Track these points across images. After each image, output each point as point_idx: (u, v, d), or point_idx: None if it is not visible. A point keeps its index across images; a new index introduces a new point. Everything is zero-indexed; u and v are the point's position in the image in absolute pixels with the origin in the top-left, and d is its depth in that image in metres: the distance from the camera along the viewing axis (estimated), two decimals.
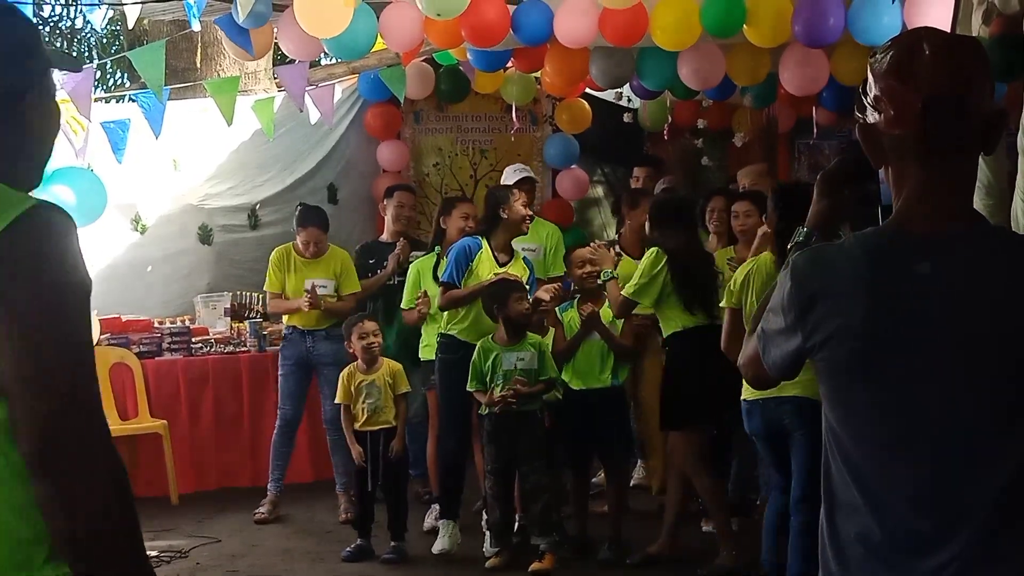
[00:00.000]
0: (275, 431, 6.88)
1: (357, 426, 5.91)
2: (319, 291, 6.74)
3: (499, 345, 5.67)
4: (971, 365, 1.83)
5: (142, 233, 8.09)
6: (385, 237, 7.17)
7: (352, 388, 5.92)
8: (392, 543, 5.93)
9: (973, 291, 1.84)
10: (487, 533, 5.88)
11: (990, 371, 1.83)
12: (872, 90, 1.94)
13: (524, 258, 6.08)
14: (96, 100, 7.31)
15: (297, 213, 7.08)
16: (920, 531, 1.83)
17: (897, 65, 1.90)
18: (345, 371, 6.02)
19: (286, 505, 6.87)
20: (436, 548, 5.92)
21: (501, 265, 5.87)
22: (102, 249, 7.63)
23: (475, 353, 5.70)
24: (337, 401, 6.02)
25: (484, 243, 5.93)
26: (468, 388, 5.69)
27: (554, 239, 6.94)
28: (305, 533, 6.58)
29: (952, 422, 1.83)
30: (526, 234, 6.12)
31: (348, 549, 5.97)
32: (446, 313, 5.95)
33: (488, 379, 5.65)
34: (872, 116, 1.94)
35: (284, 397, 6.89)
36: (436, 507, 6.22)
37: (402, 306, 6.42)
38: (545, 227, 7.13)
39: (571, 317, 5.93)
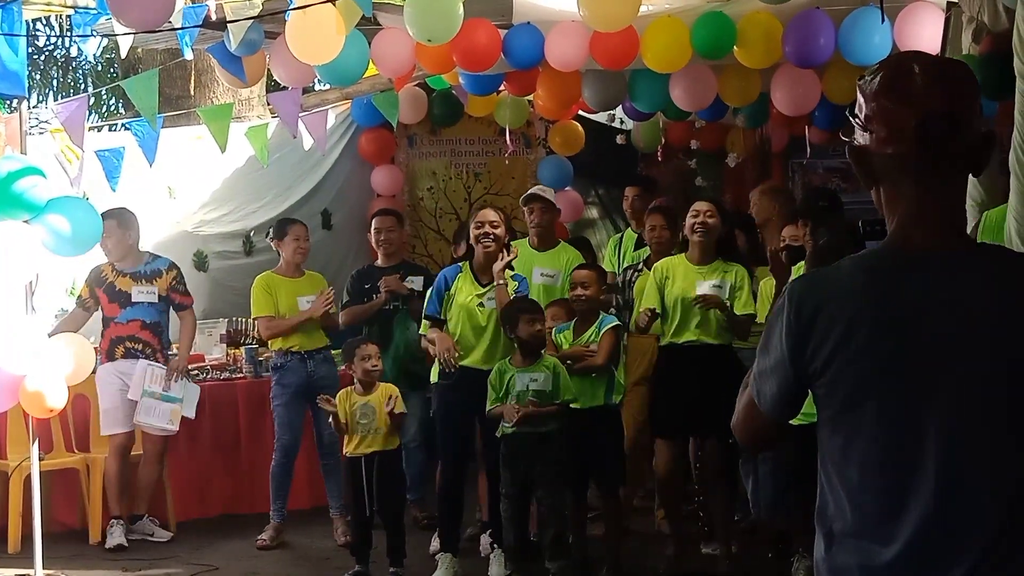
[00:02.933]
0: (273, 462, 6.80)
1: (349, 451, 5.87)
2: (307, 305, 6.76)
3: (514, 366, 5.65)
4: (977, 383, 1.82)
5: None
6: (380, 262, 7.14)
7: (348, 410, 5.90)
8: (391, 569, 5.88)
9: (975, 309, 1.84)
10: (492, 557, 5.85)
11: (995, 388, 1.82)
12: (863, 111, 1.93)
13: (514, 276, 5.95)
14: (90, 129, 7.31)
15: (275, 226, 7.14)
16: (927, 556, 1.81)
17: (889, 85, 1.90)
18: (342, 392, 6.00)
19: (285, 532, 6.82)
20: None
21: (483, 286, 5.86)
22: None
23: (492, 374, 5.68)
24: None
25: (465, 267, 5.95)
26: (487, 406, 5.66)
27: (573, 265, 6.54)
28: (304, 560, 6.53)
29: (960, 441, 1.82)
30: (494, 257, 5.85)
31: (347, 575, 5.93)
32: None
33: (504, 400, 5.62)
34: (863, 137, 1.93)
35: (283, 427, 6.79)
36: None
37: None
38: (567, 252, 6.79)
39: (566, 338, 5.91)
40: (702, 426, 5.65)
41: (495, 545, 5.88)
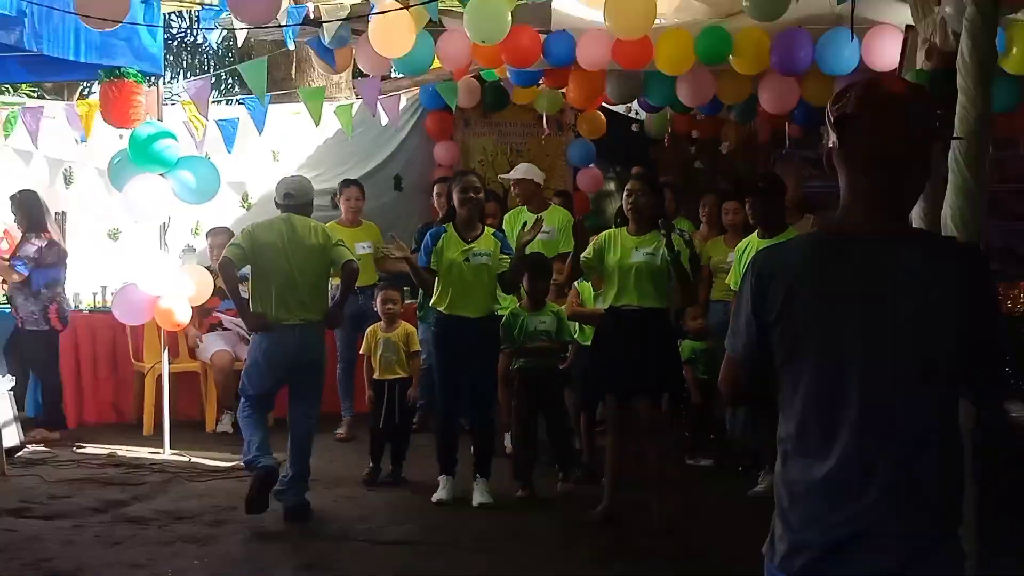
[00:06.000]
0: (338, 370, 6.93)
1: (376, 375, 5.86)
2: (362, 251, 6.78)
3: (525, 311, 5.69)
4: (891, 337, 1.84)
5: (248, 209, 8.17)
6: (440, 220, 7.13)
7: (372, 343, 5.89)
8: (392, 467, 5.86)
9: (894, 280, 1.85)
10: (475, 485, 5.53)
11: (906, 342, 1.83)
12: (845, 117, 1.93)
13: (494, 232, 5.65)
14: (212, 103, 7.36)
15: (338, 187, 7.30)
16: (852, 473, 1.83)
17: (863, 106, 1.91)
18: (370, 328, 5.97)
19: (356, 427, 6.80)
20: (435, 498, 5.47)
21: (468, 242, 5.49)
22: (217, 221, 7.71)
23: (505, 317, 5.64)
24: (361, 352, 6.03)
25: (450, 228, 5.55)
26: (502, 347, 5.63)
27: (563, 222, 6.86)
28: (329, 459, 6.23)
29: (877, 385, 1.83)
30: (475, 215, 5.57)
31: (366, 474, 5.87)
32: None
33: (518, 339, 5.64)
34: (830, 141, 1.96)
35: (343, 346, 6.89)
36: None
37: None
38: (559, 212, 7.04)
39: (586, 288, 5.92)
40: (644, 387, 5.03)
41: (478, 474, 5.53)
